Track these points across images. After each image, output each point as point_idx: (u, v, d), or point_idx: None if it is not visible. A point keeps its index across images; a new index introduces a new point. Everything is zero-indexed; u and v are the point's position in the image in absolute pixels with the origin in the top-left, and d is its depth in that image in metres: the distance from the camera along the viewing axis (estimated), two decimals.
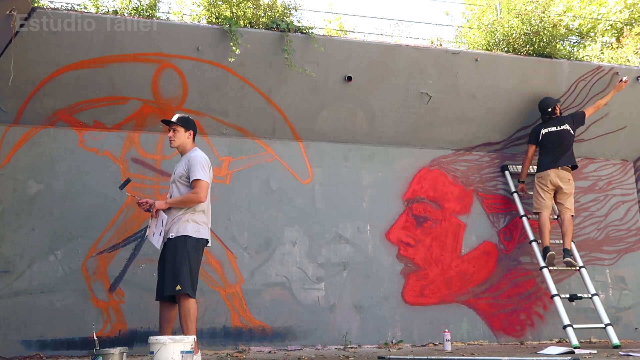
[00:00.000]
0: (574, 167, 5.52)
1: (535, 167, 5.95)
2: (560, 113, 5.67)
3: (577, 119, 5.59)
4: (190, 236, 3.77)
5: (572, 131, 5.52)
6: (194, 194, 3.77)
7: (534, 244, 5.46)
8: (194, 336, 3.46)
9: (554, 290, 5.14)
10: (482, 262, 5.65)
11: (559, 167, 5.41)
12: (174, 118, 4.01)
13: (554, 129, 5.51)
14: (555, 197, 5.47)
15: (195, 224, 3.80)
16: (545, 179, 5.44)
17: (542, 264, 5.31)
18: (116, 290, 4.69)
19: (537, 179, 5.53)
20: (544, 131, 5.56)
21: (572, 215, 5.44)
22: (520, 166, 5.92)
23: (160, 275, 3.85)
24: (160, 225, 3.78)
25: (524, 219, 5.62)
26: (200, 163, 3.84)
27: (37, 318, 4.48)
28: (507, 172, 5.89)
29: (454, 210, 5.72)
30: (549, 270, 5.29)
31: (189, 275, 3.71)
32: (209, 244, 3.97)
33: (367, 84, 5.28)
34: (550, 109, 5.57)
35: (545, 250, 5.27)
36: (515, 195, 5.75)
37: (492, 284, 5.62)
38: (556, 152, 5.46)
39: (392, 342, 5.19)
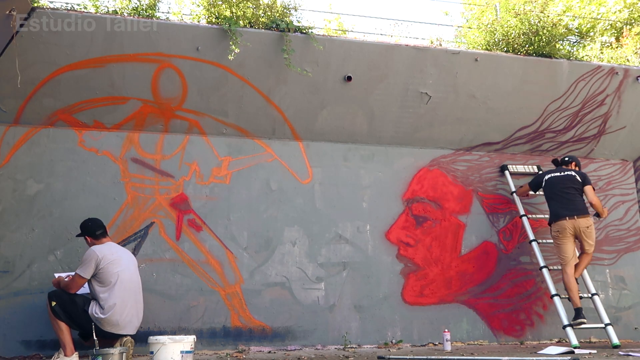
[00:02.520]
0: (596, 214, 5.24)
1: (532, 167, 5.99)
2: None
3: (585, 177, 5.22)
4: None
5: (578, 178, 5.16)
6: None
7: (534, 243, 5.46)
8: None
9: (553, 290, 5.14)
10: (482, 262, 5.66)
11: (575, 217, 5.02)
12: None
13: (557, 174, 5.25)
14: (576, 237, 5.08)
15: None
16: (562, 227, 5.04)
17: (542, 263, 5.31)
18: None
19: (553, 230, 5.16)
20: (547, 177, 5.30)
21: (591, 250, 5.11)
22: (521, 166, 5.96)
23: None
24: None
25: (524, 218, 5.62)
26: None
27: (37, 318, 4.48)
28: (507, 172, 5.89)
29: (454, 210, 5.72)
30: (549, 270, 5.29)
31: None
32: None
33: (367, 84, 5.28)
34: (567, 159, 5.42)
35: (577, 312, 4.87)
36: (515, 195, 5.75)
37: (492, 283, 5.62)
38: (565, 198, 5.11)
39: (392, 342, 5.19)
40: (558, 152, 6.12)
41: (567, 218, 5.03)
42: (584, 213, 5.07)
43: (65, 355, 3.97)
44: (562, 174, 5.25)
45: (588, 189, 5.17)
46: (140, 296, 4.24)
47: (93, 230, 4.22)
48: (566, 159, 5.44)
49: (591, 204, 5.17)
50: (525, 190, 5.64)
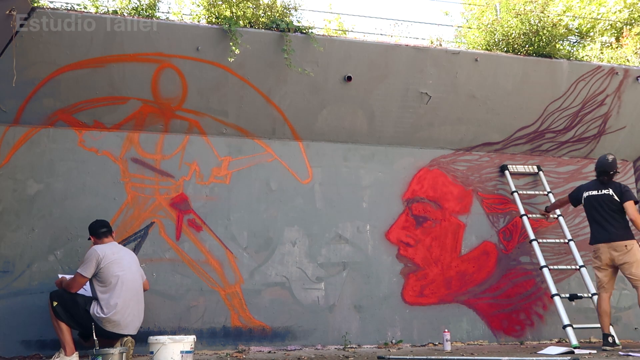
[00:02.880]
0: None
1: (532, 167, 6.03)
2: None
3: (625, 193, 4.78)
4: None
5: (615, 197, 4.78)
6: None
7: (534, 243, 5.46)
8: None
9: (554, 290, 5.14)
10: (482, 262, 5.66)
11: (611, 242, 4.73)
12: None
13: (594, 192, 4.93)
14: (618, 268, 4.77)
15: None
16: (598, 254, 4.82)
17: (543, 263, 5.31)
18: None
19: (592, 253, 4.93)
20: (585, 194, 5.01)
21: None
22: (521, 166, 5.97)
23: None
24: None
25: (524, 218, 5.62)
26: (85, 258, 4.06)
27: (37, 318, 4.48)
28: (507, 172, 5.89)
29: (454, 210, 5.72)
30: (550, 270, 5.30)
31: None
32: None
33: (367, 84, 5.28)
34: (612, 172, 4.87)
35: (605, 338, 4.66)
36: (516, 194, 5.75)
37: (492, 284, 5.62)
38: (603, 222, 4.80)
39: (391, 342, 5.19)
40: (558, 152, 6.13)
41: (603, 244, 4.77)
42: (619, 239, 4.69)
43: (66, 355, 3.97)
44: (599, 192, 4.89)
45: (628, 205, 4.72)
46: (142, 296, 4.24)
47: (96, 229, 4.23)
48: (612, 171, 4.88)
49: (631, 221, 4.74)
50: (563, 203, 5.42)
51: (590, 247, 4.95)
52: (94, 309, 3.94)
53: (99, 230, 4.23)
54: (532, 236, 5.51)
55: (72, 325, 4.01)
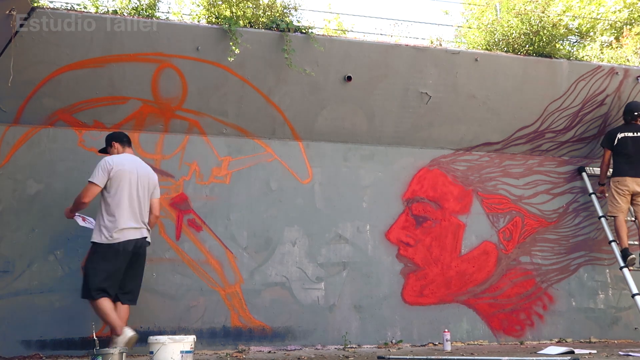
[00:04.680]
0: None
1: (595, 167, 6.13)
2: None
3: None
4: (95, 242, 3.98)
5: None
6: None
7: (613, 244, 5.57)
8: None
9: (634, 290, 5.22)
10: (482, 262, 5.66)
11: (637, 177, 5.45)
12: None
13: (630, 134, 5.55)
14: (631, 200, 5.50)
15: (102, 229, 3.97)
16: (622, 184, 5.47)
17: (622, 264, 5.40)
18: None
19: (614, 183, 5.55)
20: (620, 135, 5.58)
21: None
22: (597, 168, 6.04)
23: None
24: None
25: (603, 219, 5.75)
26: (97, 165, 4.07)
27: (36, 318, 4.49)
28: (584, 174, 6.04)
29: (454, 210, 5.72)
30: (629, 270, 5.40)
31: (86, 278, 3.92)
32: (149, 240, 4.19)
33: (367, 84, 5.28)
34: (636, 113, 5.59)
35: (624, 252, 5.38)
36: (593, 196, 5.87)
37: (492, 283, 5.62)
38: (634, 159, 5.49)
39: (391, 342, 5.19)
40: (558, 152, 6.13)
41: (630, 177, 5.42)
42: None
43: (117, 335, 3.84)
44: (635, 134, 5.53)
45: None
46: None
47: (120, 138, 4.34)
48: (635, 113, 5.59)
49: None
50: (608, 157, 5.72)
51: (615, 178, 5.52)
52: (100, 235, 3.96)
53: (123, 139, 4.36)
54: (610, 237, 5.63)
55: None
